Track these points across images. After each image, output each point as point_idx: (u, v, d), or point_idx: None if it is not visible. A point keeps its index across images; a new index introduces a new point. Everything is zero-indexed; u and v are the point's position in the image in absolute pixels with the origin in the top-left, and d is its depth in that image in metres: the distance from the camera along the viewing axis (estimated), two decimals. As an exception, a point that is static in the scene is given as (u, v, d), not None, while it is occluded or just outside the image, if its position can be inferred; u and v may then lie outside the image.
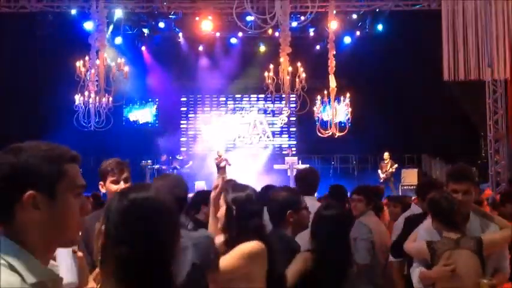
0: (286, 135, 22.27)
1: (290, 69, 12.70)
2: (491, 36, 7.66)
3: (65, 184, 1.54)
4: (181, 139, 22.06)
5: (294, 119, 20.93)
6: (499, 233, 3.79)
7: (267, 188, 5.05)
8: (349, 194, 6.05)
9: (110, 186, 3.72)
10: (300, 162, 18.03)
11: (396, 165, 17.31)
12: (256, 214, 3.06)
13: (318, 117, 15.91)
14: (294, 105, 14.92)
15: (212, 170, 17.87)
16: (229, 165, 17.34)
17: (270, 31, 13.60)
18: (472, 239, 3.67)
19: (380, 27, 18.74)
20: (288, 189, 4.01)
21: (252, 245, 2.91)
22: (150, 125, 21.83)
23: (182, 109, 22.44)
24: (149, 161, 18.56)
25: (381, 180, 17.10)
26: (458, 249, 3.64)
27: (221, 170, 17.18)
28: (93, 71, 13.51)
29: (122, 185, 3.68)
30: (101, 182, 3.80)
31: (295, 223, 3.66)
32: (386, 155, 17.36)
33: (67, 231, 1.56)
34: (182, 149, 21.47)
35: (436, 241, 3.75)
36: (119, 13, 17.59)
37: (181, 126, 22.31)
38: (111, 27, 17.42)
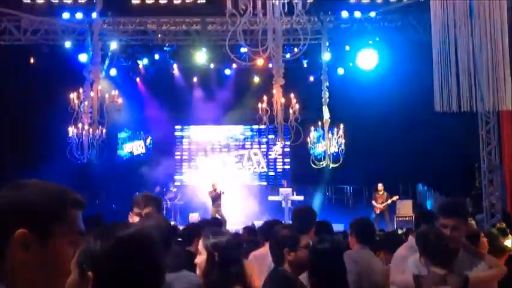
0: (281, 167, 22.23)
1: (283, 100, 12.74)
2: (482, 68, 7.72)
3: (62, 228, 1.43)
4: (175, 171, 21.98)
5: (288, 150, 20.93)
6: (488, 272, 3.74)
7: (271, 224, 5.03)
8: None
9: (133, 218, 3.78)
10: (294, 193, 17.98)
11: (397, 197, 17.23)
12: (238, 260, 3.02)
13: (312, 148, 15.94)
14: (287, 136, 14.93)
15: (206, 201, 17.77)
16: (223, 193, 17.19)
17: (262, 63, 13.67)
18: (458, 276, 3.61)
19: (372, 59, 18.86)
20: (287, 227, 4.00)
21: None
22: (143, 156, 21.77)
23: (176, 140, 22.42)
24: (143, 193, 18.43)
25: (377, 212, 17.05)
26: (444, 285, 3.58)
27: (216, 203, 17.06)
28: (86, 102, 13.52)
29: (133, 219, 3.77)
30: (131, 212, 3.87)
31: (293, 262, 3.61)
32: (380, 186, 17.35)
33: (57, 279, 1.43)
34: (176, 181, 21.38)
35: (423, 275, 3.71)
36: (113, 45, 17.69)
37: (176, 157, 22.26)
38: (107, 60, 17.51)
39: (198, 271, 3.04)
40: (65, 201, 1.48)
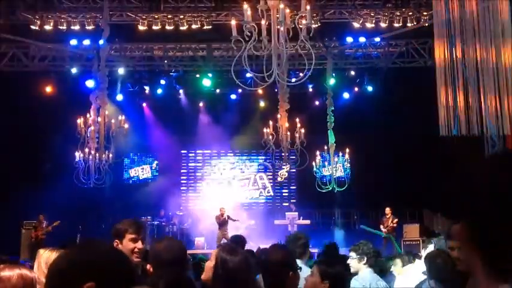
0: (287, 191, 22.18)
1: (287, 125, 12.80)
2: (486, 94, 7.78)
3: None
4: (182, 195, 21.96)
5: (294, 174, 20.90)
6: None
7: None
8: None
9: (128, 245, 3.71)
10: (300, 217, 17.91)
11: (397, 220, 17.13)
12: (245, 282, 3.03)
13: (318, 172, 15.95)
14: (294, 161, 14.96)
15: (212, 225, 17.71)
16: (234, 220, 17.22)
17: (267, 89, 13.81)
18: None
19: (377, 84, 18.94)
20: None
21: None
22: (150, 180, 21.79)
23: (182, 165, 22.44)
24: (149, 217, 18.42)
25: (383, 236, 16.94)
26: None
27: (223, 227, 17.02)
28: (93, 128, 13.62)
29: (140, 245, 3.72)
30: (116, 240, 3.75)
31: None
32: (387, 210, 17.21)
33: None
34: (182, 205, 21.35)
35: None
36: (120, 71, 17.87)
37: (182, 181, 22.26)
38: (118, 86, 17.70)
39: (203, 274, 3.07)
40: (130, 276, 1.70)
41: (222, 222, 17.09)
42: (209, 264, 3.12)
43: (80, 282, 1.58)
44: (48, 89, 18.23)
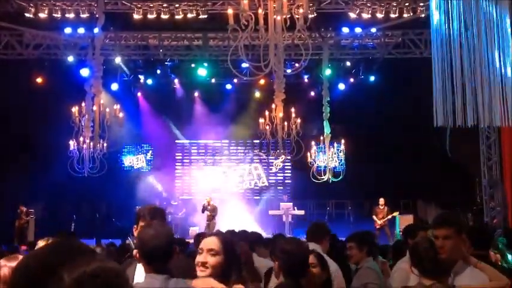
0: (281, 181, 22.20)
1: (281, 115, 12.76)
2: (483, 84, 7.76)
3: None
4: (176, 185, 21.96)
5: (288, 164, 20.93)
6: (485, 284, 3.67)
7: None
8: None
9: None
10: (295, 208, 17.96)
11: (397, 212, 17.16)
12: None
13: (313, 162, 15.95)
14: (289, 151, 14.95)
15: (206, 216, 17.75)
16: (214, 214, 17.29)
17: (263, 79, 13.77)
18: (444, 286, 3.57)
19: (373, 75, 18.92)
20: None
21: None
22: (144, 170, 21.76)
23: (177, 154, 22.41)
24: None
25: (377, 226, 16.99)
26: None
27: (209, 216, 17.16)
28: (87, 116, 13.55)
29: None
30: (135, 226, 3.81)
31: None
32: (381, 200, 17.25)
33: None
34: (177, 195, 21.34)
35: (410, 286, 3.71)
36: (117, 60, 17.79)
37: (176, 171, 22.24)
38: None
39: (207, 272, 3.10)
40: None
41: (210, 212, 17.23)
42: (211, 260, 3.11)
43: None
44: (43, 78, 18.14)
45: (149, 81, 19.62)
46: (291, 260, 3.58)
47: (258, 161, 22.05)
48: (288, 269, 3.60)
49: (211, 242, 3.11)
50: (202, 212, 17.41)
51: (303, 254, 3.70)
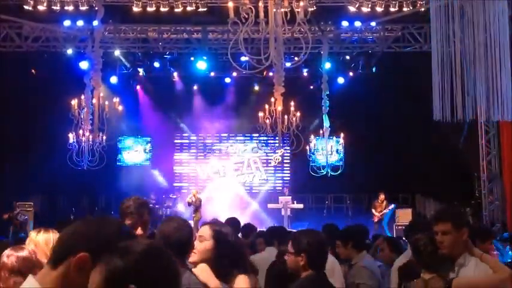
0: (280, 175, 22.22)
1: (280, 108, 12.76)
2: (482, 78, 7.77)
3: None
4: (175, 178, 21.97)
5: (287, 158, 20.94)
6: (487, 276, 3.64)
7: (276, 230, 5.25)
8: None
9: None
10: (294, 201, 17.98)
11: (391, 206, 17.17)
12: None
13: (312, 156, 15.97)
14: (288, 144, 14.96)
15: (203, 208, 17.79)
16: (199, 207, 17.40)
17: (264, 73, 13.75)
18: (442, 280, 3.60)
19: (373, 69, 18.88)
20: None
21: None
22: (143, 163, 21.76)
23: (176, 148, 22.41)
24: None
25: (375, 220, 17.02)
26: None
27: (195, 209, 17.24)
28: (86, 109, 13.54)
29: (140, 231, 3.51)
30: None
31: None
32: (381, 196, 17.21)
33: None
34: (175, 188, 21.35)
35: (411, 282, 3.75)
36: (116, 53, 17.76)
37: (175, 164, 22.24)
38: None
39: (192, 257, 3.19)
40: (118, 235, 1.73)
41: (196, 205, 17.28)
42: (199, 246, 3.20)
43: (75, 250, 1.69)
44: (42, 70, 18.09)
45: (148, 74, 19.58)
46: (319, 252, 3.68)
47: (257, 154, 22.04)
48: (315, 261, 3.65)
49: (202, 229, 3.28)
50: (189, 205, 17.50)
51: (325, 245, 3.84)
